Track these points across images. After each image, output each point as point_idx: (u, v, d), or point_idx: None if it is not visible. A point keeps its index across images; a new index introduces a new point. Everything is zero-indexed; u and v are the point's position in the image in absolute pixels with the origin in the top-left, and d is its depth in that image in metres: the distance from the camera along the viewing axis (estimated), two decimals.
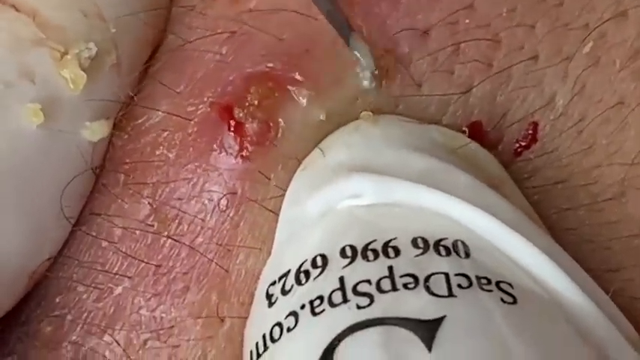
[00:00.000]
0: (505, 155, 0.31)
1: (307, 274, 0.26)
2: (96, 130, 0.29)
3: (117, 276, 0.30)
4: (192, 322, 0.29)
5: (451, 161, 0.28)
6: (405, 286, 0.24)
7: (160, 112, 0.30)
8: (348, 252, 0.25)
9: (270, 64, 0.29)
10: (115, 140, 0.30)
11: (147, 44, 0.30)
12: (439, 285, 0.24)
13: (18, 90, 0.27)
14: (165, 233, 0.30)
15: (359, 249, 0.25)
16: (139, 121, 0.30)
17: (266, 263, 0.29)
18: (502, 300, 0.24)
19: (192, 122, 0.30)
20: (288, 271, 0.26)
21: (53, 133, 0.28)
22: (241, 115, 0.29)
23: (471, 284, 0.24)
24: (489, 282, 0.24)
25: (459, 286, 0.24)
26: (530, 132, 0.30)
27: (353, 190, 0.27)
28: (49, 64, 0.28)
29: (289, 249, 0.27)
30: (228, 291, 0.29)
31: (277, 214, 0.29)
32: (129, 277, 0.30)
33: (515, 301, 0.24)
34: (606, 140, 0.30)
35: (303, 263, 0.26)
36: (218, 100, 0.29)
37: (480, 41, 0.30)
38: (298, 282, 0.26)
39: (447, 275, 0.24)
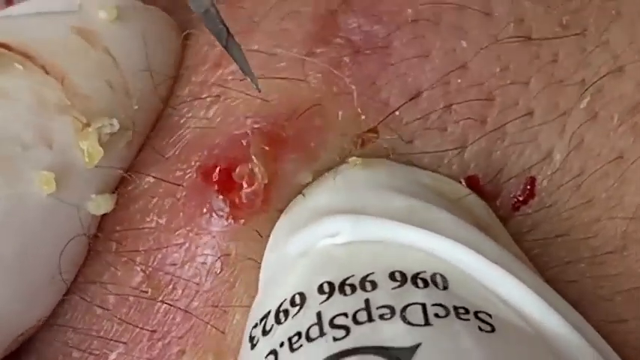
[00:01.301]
0: (503, 209, 0.31)
1: (286, 312, 0.27)
2: (101, 204, 0.30)
3: (111, 342, 0.31)
4: None
5: (435, 202, 0.29)
6: (381, 316, 0.25)
7: (148, 179, 0.32)
8: (326, 288, 0.27)
9: (257, 126, 0.31)
10: None
11: (155, 117, 0.32)
12: (416, 315, 0.25)
13: (34, 154, 0.28)
14: (160, 298, 0.31)
15: (336, 284, 0.27)
16: (128, 188, 0.32)
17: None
18: (479, 328, 0.25)
19: (180, 187, 0.31)
20: (269, 312, 0.27)
21: (59, 203, 0.29)
22: (228, 177, 0.30)
23: (448, 313, 0.25)
24: (467, 312, 0.26)
25: (436, 315, 0.25)
26: (528, 187, 0.31)
27: (330, 230, 0.28)
28: (69, 133, 0.29)
29: (269, 291, 0.29)
30: (225, 352, 0.30)
31: None
32: (123, 343, 0.31)
33: (493, 330, 0.25)
34: (606, 194, 0.31)
35: (282, 303, 0.27)
36: (205, 163, 0.31)
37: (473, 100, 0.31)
38: (278, 321, 0.27)
39: (423, 305, 0.25)
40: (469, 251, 0.27)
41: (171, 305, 0.31)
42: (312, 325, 0.25)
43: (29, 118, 0.28)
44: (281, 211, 0.30)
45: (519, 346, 0.26)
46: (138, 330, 0.31)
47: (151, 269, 0.31)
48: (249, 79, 0.29)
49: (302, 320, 0.26)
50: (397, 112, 0.31)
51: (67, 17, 0.30)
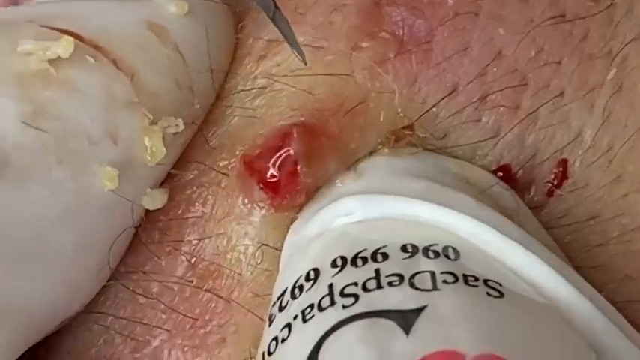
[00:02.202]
0: (538, 196, 0.32)
1: (301, 288, 0.28)
2: (156, 199, 0.31)
3: (155, 328, 0.32)
4: None
5: (459, 187, 0.30)
6: (390, 283, 0.26)
7: (194, 169, 0.33)
8: (339, 262, 0.28)
9: (302, 118, 0.32)
10: None
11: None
12: (424, 281, 0.26)
13: (100, 149, 0.29)
14: (204, 287, 0.32)
15: (349, 258, 0.28)
16: (174, 179, 0.33)
17: None
18: (487, 294, 0.26)
19: (225, 177, 0.32)
20: (285, 289, 0.29)
21: (118, 198, 0.30)
22: (271, 168, 0.31)
23: (456, 280, 0.26)
24: (476, 279, 0.27)
25: (444, 281, 0.26)
26: (561, 169, 0.32)
27: (344, 209, 0.30)
28: (134, 130, 0.29)
29: (287, 271, 0.30)
30: None
31: None
32: (167, 330, 0.32)
33: (502, 296, 0.26)
34: (633, 167, 0.32)
35: (297, 279, 0.28)
36: (249, 153, 0.32)
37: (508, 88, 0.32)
38: (293, 297, 0.28)
39: (432, 273, 0.26)
40: (483, 226, 0.28)
41: (214, 294, 0.32)
42: (324, 296, 0.27)
43: (98, 113, 0.29)
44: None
45: (528, 312, 0.27)
46: (181, 317, 0.32)
47: (195, 259, 0.32)
48: (295, 53, 0.30)
49: (315, 293, 0.27)
50: (434, 109, 0.32)
51: (139, 9, 0.31)
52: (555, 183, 0.32)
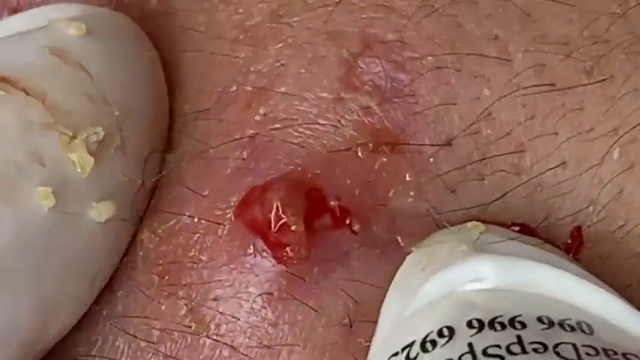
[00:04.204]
0: None
1: (434, 342, 0.28)
2: (102, 211, 0.32)
3: None
4: None
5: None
6: (535, 350, 0.27)
7: (189, 215, 0.34)
8: (475, 324, 0.28)
9: (293, 172, 0.33)
10: (147, 242, 0.34)
11: (150, 126, 0.34)
12: (568, 351, 0.27)
13: (29, 172, 0.30)
14: (205, 334, 0.33)
15: (486, 321, 0.28)
16: (170, 223, 0.34)
17: (377, 339, 0.31)
18: None
19: (221, 226, 0.33)
20: (413, 342, 0.29)
21: (62, 216, 0.30)
22: (272, 220, 0.32)
23: (598, 353, 0.27)
24: (616, 353, 0.28)
25: (587, 354, 0.27)
26: (576, 235, 0.32)
27: (474, 274, 0.30)
28: (58, 148, 0.31)
29: (409, 325, 0.30)
30: None
31: (317, 311, 0.32)
32: None
33: None
34: None
35: (428, 334, 0.29)
36: (245, 205, 0.33)
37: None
38: (424, 350, 0.28)
39: (574, 345, 0.27)
40: (610, 296, 0.29)
41: (216, 340, 0.33)
42: (465, 353, 0.27)
43: (18, 139, 0.30)
44: (326, 258, 0.32)
45: None
46: None
47: (194, 304, 0.33)
48: None
49: (452, 349, 0.28)
50: (432, 160, 0.33)
51: (38, 37, 0.33)
52: (573, 248, 0.32)
